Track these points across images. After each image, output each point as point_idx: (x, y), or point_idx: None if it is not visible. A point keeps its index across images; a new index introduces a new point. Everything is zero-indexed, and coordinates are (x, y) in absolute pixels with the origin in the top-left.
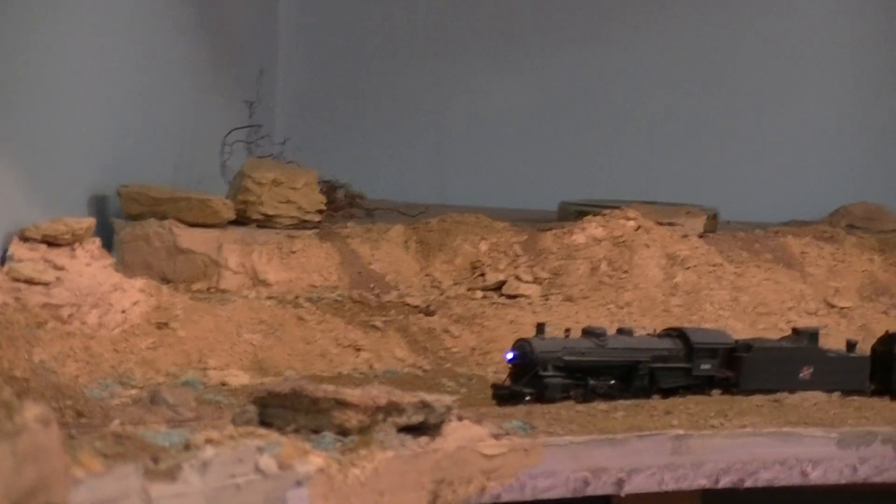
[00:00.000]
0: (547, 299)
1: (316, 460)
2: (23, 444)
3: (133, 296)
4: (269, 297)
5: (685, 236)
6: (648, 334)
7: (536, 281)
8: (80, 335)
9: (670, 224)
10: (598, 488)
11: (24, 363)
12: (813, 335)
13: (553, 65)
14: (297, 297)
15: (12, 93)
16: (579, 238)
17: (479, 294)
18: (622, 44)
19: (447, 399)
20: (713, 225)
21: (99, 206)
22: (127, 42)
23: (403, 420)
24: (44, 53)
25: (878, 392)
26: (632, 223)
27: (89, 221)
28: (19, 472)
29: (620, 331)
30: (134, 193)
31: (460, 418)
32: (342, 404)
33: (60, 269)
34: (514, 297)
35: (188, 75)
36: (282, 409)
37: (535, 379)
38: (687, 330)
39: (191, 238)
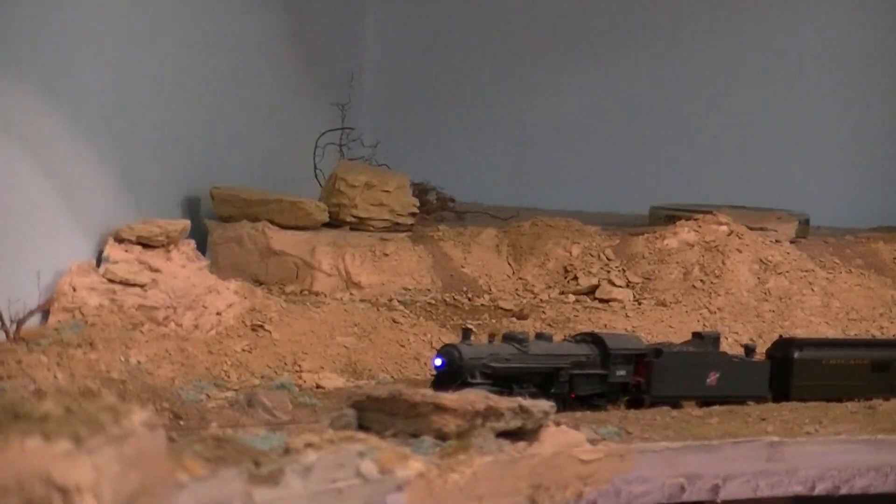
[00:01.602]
0: (639, 304)
1: (415, 465)
2: (129, 449)
3: (227, 298)
4: (362, 300)
5: (777, 241)
6: (564, 339)
7: (629, 285)
8: (175, 337)
9: (761, 229)
10: (693, 494)
11: (121, 365)
12: (715, 339)
13: (641, 67)
14: (390, 300)
15: (107, 95)
16: (671, 242)
17: (572, 298)
18: (712, 46)
19: (545, 404)
20: (804, 230)
21: (191, 208)
22: (219, 46)
23: (501, 425)
24: (138, 57)
25: (776, 398)
26: (724, 228)
27: (183, 223)
28: (125, 477)
29: (540, 336)
30: (226, 195)
31: (557, 423)
32: (440, 409)
33: (155, 270)
34: (607, 301)
35: (279, 79)
36: (380, 414)
37: (463, 386)
38: (602, 335)
39: (284, 240)
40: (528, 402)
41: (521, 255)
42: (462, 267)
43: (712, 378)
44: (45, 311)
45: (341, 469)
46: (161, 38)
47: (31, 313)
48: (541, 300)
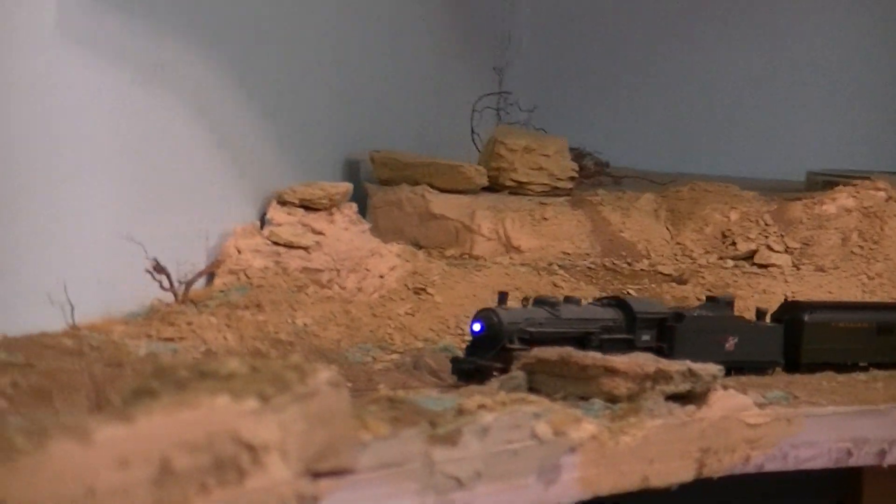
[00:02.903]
0: (798, 269)
1: (588, 427)
2: (314, 407)
3: (390, 261)
4: (523, 264)
5: None
6: (590, 303)
7: (787, 251)
8: (339, 300)
9: None
10: (859, 459)
11: (288, 327)
12: (729, 303)
13: (795, 31)
14: (549, 264)
15: (270, 60)
16: (830, 208)
17: (730, 263)
18: (866, 9)
19: (713, 368)
20: None
21: (351, 172)
22: (378, 11)
23: (671, 388)
24: (300, 22)
25: (787, 362)
26: (881, 194)
27: (346, 186)
28: (311, 435)
29: (568, 300)
30: (386, 159)
31: (725, 388)
32: (610, 371)
33: (319, 233)
34: (766, 266)
35: (437, 43)
36: (549, 376)
37: (502, 352)
38: (628, 299)
39: (443, 204)
40: (696, 366)
41: (679, 220)
42: (621, 232)
43: (730, 343)
44: (211, 274)
45: (517, 430)
46: (322, 4)
47: (200, 275)
48: (699, 265)
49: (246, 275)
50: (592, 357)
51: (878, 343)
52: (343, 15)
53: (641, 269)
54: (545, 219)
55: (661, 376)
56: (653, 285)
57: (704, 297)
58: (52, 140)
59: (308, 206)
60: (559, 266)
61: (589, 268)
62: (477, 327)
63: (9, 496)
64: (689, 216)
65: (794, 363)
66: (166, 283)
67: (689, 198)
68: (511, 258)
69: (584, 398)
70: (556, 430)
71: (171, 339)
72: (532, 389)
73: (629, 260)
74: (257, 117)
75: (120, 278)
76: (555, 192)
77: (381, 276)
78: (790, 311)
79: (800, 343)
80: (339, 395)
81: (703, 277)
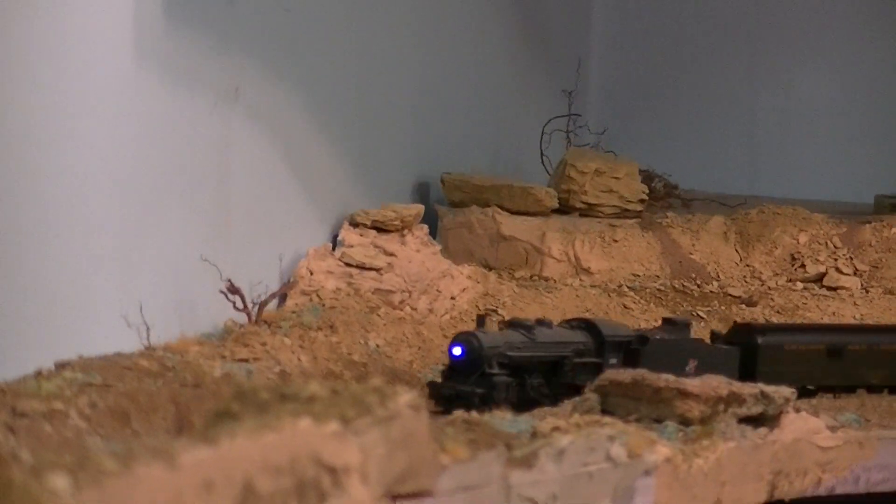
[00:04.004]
0: (867, 292)
1: (663, 450)
2: (395, 430)
3: (461, 282)
4: (593, 286)
5: None
6: (558, 325)
7: (856, 273)
8: (411, 321)
9: None
10: None
11: (361, 348)
12: (687, 325)
13: (867, 57)
14: (619, 286)
15: (344, 84)
16: None
17: (800, 285)
18: None
19: (786, 391)
20: None
21: (422, 194)
22: (450, 35)
23: (744, 411)
24: (374, 47)
25: None
26: None
27: (418, 208)
28: (391, 458)
29: (540, 322)
30: (457, 181)
31: (797, 410)
32: (684, 394)
33: (391, 254)
34: (835, 289)
35: (508, 66)
36: (623, 399)
37: (482, 377)
38: (595, 321)
39: (514, 226)
40: (769, 388)
41: (748, 243)
42: (690, 254)
43: (692, 365)
44: (283, 295)
45: (592, 453)
46: (396, 29)
47: (273, 296)
48: (768, 287)
49: (318, 296)
50: (665, 379)
51: (828, 366)
52: (416, 40)
53: (711, 291)
54: (615, 241)
55: (733, 399)
56: (722, 307)
57: (661, 320)
58: (129, 164)
59: (380, 228)
60: (629, 288)
61: (659, 290)
62: (458, 351)
63: None
64: (759, 238)
65: None
66: (240, 304)
67: (758, 220)
68: (581, 280)
69: (658, 420)
70: (630, 453)
71: (246, 360)
72: (605, 412)
73: (699, 282)
74: (330, 140)
75: (195, 300)
76: (625, 214)
77: (453, 298)
78: (742, 334)
79: (755, 366)
80: (419, 418)
81: (772, 299)
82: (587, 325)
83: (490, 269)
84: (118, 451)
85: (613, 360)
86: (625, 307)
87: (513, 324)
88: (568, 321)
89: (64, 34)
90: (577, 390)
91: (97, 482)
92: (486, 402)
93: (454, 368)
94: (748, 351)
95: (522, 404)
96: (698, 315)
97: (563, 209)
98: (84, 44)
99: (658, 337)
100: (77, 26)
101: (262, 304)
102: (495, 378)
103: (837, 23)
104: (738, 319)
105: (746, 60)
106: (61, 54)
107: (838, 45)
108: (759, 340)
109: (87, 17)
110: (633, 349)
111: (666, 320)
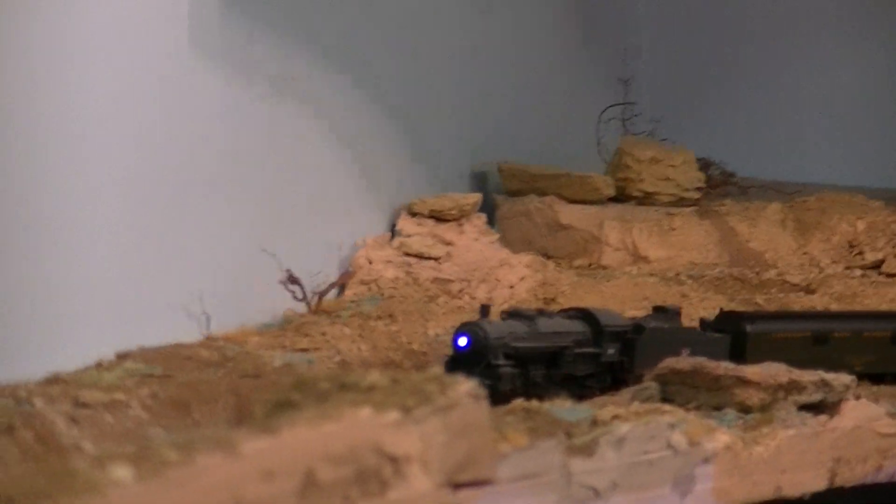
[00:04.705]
0: None
1: (723, 437)
2: (455, 419)
3: (520, 271)
4: (651, 274)
5: None
6: (556, 314)
7: None
8: (470, 310)
9: None
10: None
11: (421, 337)
12: (677, 313)
13: None
14: (677, 274)
15: (401, 73)
16: None
17: (858, 272)
18: None
19: (846, 378)
20: None
21: (479, 183)
22: (505, 24)
23: (803, 398)
24: (429, 36)
25: None
26: None
27: (475, 197)
28: (451, 446)
29: (541, 312)
30: (514, 170)
31: (857, 397)
32: (743, 382)
33: (449, 244)
34: (893, 275)
35: (563, 55)
36: (682, 386)
37: (489, 369)
38: (592, 310)
39: (571, 214)
40: (829, 376)
41: (806, 230)
42: (748, 241)
43: (684, 354)
44: (342, 285)
45: (652, 441)
46: (451, 18)
47: (333, 286)
48: (827, 275)
49: (377, 285)
50: (725, 367)
51: (814, 353)
52: (472, 27)
53: (769, 279)
54: (673, 229)
55: (793, 386)
56: (780, 295)
57: (651, 308)
58: (186, 153)
59: (438, 217)
60: (687, 276)
61: (717, 278)
62: (463, 342)
63: None
64: (817, 226)
65: None
66: (299, 294)
67: (816, 207)
68: (639, 268)
69: (717, 408)
70: (690, 441)
71: (306, 350)
72: (665, 400)
73: (757, 269)
74: (387, 129)
75: (253, 290)
76: (682, 202)
77: (511, 287)
78: (730, 322)
79: (743, 354)
80: (478, 407)
81: (830, 287)
82: (584, 315)
83: (548, 257)
84: (179, 441)
85: (611, 351)
86: (683, 295)
87: (514, 314)
88: (565, 310)
89: (121, 23)
90: (576, 381)
91: (159, 472)
92: (491, 394)
93: (458, 359)
94: (737, 339)
95: (526, 396)
96: (756, 303)
97: (620, 198)
98: (140, 33)
99: (653, 325)
100: (134, 15)
101: (322, 294)
102: (501, 369)
103: (888, 4)
104: (724, 308)
105: (800, 43)
106: (118, 43)
107: (891, 20)
108: (748, 328)
109: (143, 5)
110: (630, 338)
111: (656, 308)
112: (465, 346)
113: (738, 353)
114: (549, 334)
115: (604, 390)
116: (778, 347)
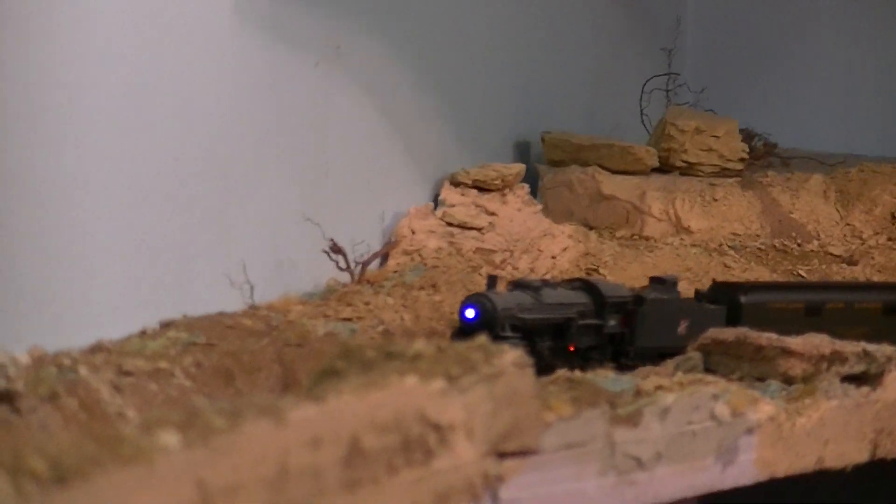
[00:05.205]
0: None
1: (766, 408)
2: (500, 388)
3: (562, 242)
4: (693, 245)
5: None
6: (558, 284)
7: None
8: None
9: None
10: None
11: None
12: (674, 284)
13: None
14: (720, 245)
15: (444, 42)
16: None
17: None
18: None
19: (889, 349)
20: None
21: (521, 153)
22: None
23: (846, 369)
24: (470, 4)
25: None
26: None
27: (519, 167)
28: (496, 415)
29: (546, 283)
30: (556, 140)
31: None
32: (787, 353)
33: (492, 214)
34: None
35: (606, 24)
36: (725, 357)
37: (496, 340)
38: (594, 281)
39: (614, 185)
40: (871, 347)
41: (848, 201)
42: (790, 213)
43: (682, 326)
44: (385, 254)
45: (696, 411)
46: None
47: (376, 255)
48: (869, 246)
49: (420, 255)
50: (768, 338)
51: (806, 324)
52: None
53: (811, 250)
54: (715, 200)
55: (836, 357)
56: (822, 266)
57: (649, 279)
58: (231, 123)
59: (481, 188)
60: (730, 247)
61: (759, 249)
62: (471, 314)
63: (206, 475)
64: (859, 197)
65: None
66: (343, 264)
67: (858, 179)
68: (682, 239)
69: (761, 379)
70: (734, 412)
71: (349, 319)
72: (708, 370)
73: (799, 241)
74: (430, 99)
75: (297, 259)
76: (725, 173)
77: (554, 257)
78: (723, 292)
79: (738, 325)
80: (523, 376)
81: (872, 258)
82: (587, 286)
83: (590, 228)
84: (226, 408)
85: (613, 322)
86: (725, 266)
87: (520, 284)
88: (568, 281)
89: None
90: (579, 353)
91: (206, 439)
92: None
93: (465, 331)
94: (732, 309)
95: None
96: (799, 274)
97: (663, 168)
98: (185, 5)
99: (653, 297)
100: None
101: (365, 264)
102: (509, 341)
103: None
104: (716, 278)
105: (844, 14)
106: (162, 12)
107: None
108: (742, 299)
109: None
110: (631, 310)
111: (654, 279)
112: (473, 318)
113: (733, 324)
114: (554, 305)
115: (604, 363)
116: (772, 318)
